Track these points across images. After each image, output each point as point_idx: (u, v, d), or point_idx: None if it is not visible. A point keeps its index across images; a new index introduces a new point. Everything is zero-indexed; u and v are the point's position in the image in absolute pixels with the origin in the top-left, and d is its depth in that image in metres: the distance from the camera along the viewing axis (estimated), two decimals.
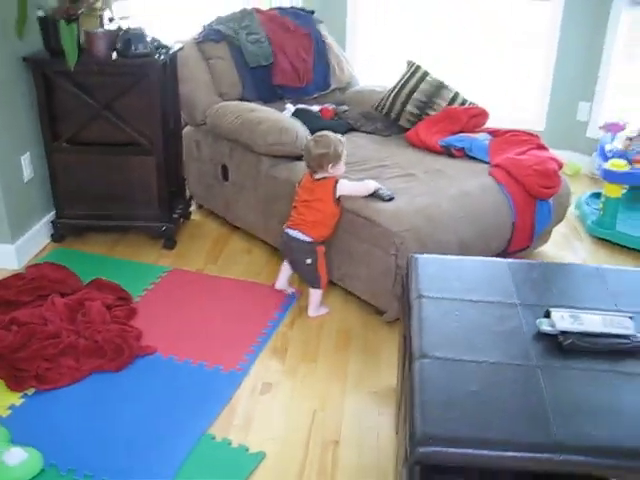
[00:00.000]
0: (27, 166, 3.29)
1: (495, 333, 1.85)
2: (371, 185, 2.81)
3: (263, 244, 3.44)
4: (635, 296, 2.04)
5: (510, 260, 2.28)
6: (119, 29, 3.17)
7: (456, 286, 2.08)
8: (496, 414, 1.55)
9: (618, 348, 1.78)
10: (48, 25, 3.09)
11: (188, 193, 3.82)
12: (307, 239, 2.80)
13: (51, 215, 3.51)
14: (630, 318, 1.86)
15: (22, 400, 2.40)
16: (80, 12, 3.11)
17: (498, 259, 2.31)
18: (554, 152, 3.34)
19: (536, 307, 1.95)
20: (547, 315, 1.87)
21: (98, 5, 3.19)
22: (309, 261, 2.83)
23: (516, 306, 1.98)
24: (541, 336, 1.84)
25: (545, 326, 1.84)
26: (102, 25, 3.24)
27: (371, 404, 2.44)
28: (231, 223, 3.65)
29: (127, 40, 3.12)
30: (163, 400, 2.41)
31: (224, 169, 3.53)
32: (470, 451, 1.47)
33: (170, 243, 3.46)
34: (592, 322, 1.83)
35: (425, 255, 2.29)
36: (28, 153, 3.30)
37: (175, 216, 3.53)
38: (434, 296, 2.02)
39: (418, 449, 1.48)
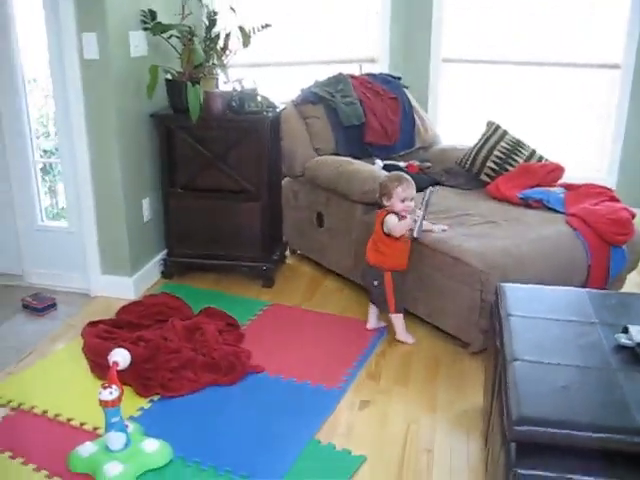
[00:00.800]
0: (147, 208, 3.73)
1: (577, 345, 2.10)
2: (407, 223, 3.08)
3: (354, 285, 3.74)
4: None
5: (588, 289, 2.53)
6: (234, 90, 3.62)
7: (540, 308, 2.35)
8: (582, 403, 1.80)
9: None
10: (174, 86, 3.56)
11: (284, 238, 4.17)
12: (371, 264, 3.15)
13: (163, 254, 3.91)
14: None
15: (150, 404, 2.73)
16: (201, 76, 3.57)
17: (577, 288, 2.55)
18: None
19: (614, 326, 2.19)
20: (625, 331, 2.11)
21: (216, 70, 3.65)
22: (376, 283, 3.17)
23: (595, 324, 2.22)
24: (619, 349, 2.07)
25: (623, 339, 2.08)
26: (218, 86, 3.70)
27: (460, 421, 2.67)
28: (324, 266, 3.98)
29: (241, 99, 3.57)
30: (273, 410, 2.71)
31: (319, 216, 3.89)
32: (559, 431, 1.72)
33: (269, 282, 3.80)
34: None
35: (511, 284, 2.56)
36: (148, 197, 3.73)
37: (274, 258, 3.89)
38: (521, 315, 2.29)
39: (514, 428, 1.73)
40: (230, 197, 3.72)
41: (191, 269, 3.92)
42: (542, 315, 2.29)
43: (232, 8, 3.55)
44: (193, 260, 3.87)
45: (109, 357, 2.44)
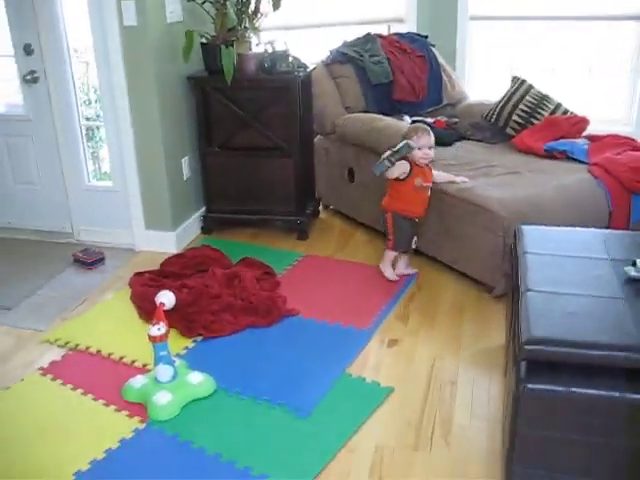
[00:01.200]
0: (186, 167, 3.94)
1: (588, 277, 2.25)
2: (399, 167, 3.21)
3: (384, 236, 3.90)
4: None
5: (603, 230, 2.67)
6: (266, 51, 3.78)
7: (555, 246, 2.50)
8: (589, 326, 1.96)
9: None
10: (209, 50, 3.74)
11: (317, 194, 4.35)
12: (382, 206, 3.40)
13: (202, 211, 4.13)
14: None
15: (194, 344, 2.96)
16: (234, 39, 3.73)
17: (592, 229, 2.69)
18: None
19: (625, 261, 2.33)
20: (634, 264, 2.25)
21: (248, 32, 3.81)
22: (381, 221, 3.46)
23: (607, 260, 2.37)
24: (628, 280, 2.21)
25: (632, 272, 2.23)
26: (251, 48, 3.86)
27: (483, 356, 2.85)
28: (355, 219, 4.16)
29: (272, 60, 3.73)
30: (308, 348, 2.91)
31: (350, 172, 4.06)
32: (564, 349, 1.88)
33: (303, 235, 4.00)
34: None
35: (529, 226, 2.71)
36: (187, 156, 3.94)
37: (308, 212, 4.07)
38: (537, 252, 2.45)
39: (524, 347, 1.90)
40: (264, 155, 3.91)
41: (229, 224, 4.13)
42: (557, 252, 2.44)
43: None
44: (230, 215, 4.08)
45: (156, 298, 2.68)
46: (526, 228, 2.67)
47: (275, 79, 3.76)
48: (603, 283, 2.21)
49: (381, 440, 2.38)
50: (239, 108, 3.83)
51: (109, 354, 2.91)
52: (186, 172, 3.95)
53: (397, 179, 3.26)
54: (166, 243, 3.85)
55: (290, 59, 3.78)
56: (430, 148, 3.27)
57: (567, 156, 3.74)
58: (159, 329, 2.52)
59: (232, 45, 3.65)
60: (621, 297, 2.12)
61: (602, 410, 1.85)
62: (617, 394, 1.83)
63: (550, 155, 3.77)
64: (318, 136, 4.28)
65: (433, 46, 4.55)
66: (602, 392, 1.85)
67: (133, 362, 2.84)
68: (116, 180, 3.87)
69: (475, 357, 2.86)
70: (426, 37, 4.58)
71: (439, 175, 3.40)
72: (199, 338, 3.00)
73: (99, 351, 2.93)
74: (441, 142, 3.97)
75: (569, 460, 1.93)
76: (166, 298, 2.67)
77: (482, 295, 3.32)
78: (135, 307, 3.25)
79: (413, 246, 3.47)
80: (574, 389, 1.86)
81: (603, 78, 4.96)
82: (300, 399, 2.57)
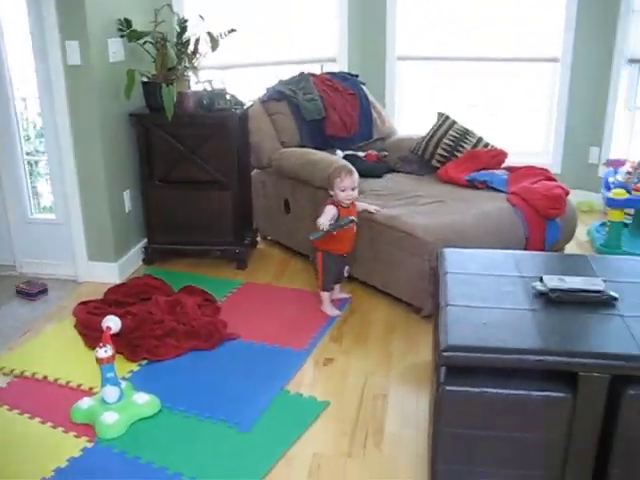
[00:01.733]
0: (128, 200, 4.08)
1: (501, 292, 2.50)
2: (325, 216, 3.34)
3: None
4: (611, 271, 2.67)
5: (515, 251, 2.94)
6: (204, 89, 3.99)
7: (472, 266, 2.74)
8: (500, 334, 2.19)
9: (593, 300, 2.40)
10: (150, 88, 3.92)
11: (255, 225, 4.54)
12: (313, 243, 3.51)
13: (144, 242, 4.26)
14: (603, 281, 2.49)
15: (139, 368, 3.09)
16: (174, 77, 3.93)
17: (506, 250, 2.96)
18: (572, 191, 3.96)
19: (533, 278, 2.58)
20: (541, 280, 2.51)
21: (187, 72, 4.01)
22: (310, 258, 3.64)
23: (518, 277, 2.62)
24: (536, 295, 2.46)
25: (539, 286, 2.48)
26: (190, 87, 4.06)
27: (412, 371, 3.07)
28: (292, 249, 4.36)
29: (211, 98, 3.94)
30: (247, 369, 3.08)
31: (286, 203, 4.27)
32: (480, 355, 2.11)
33: (242, 264, 4.18)
34: (574, 282, 2.46)
35: (450, 249, 2.96)
36: (129, 190, 4.09)
37: (246, 242, 4.26)
38: (456, 272, 2.68)
39: (443, 354, 2.12)
40: (203, 188, 4.08)
41: (170, 255, 4.27)
42: (474, 272, 2.69)
43: (201, 16, 3.91)
44: (171, 246, 4.22)
45: (102, 323, 2.80)
46: (447, 251, 2.91)
47: (213, 116, 3.95)
48: (514, 297, 2.46)
49: (318, 449, 2.56)
50: (179, 143, 4.00)
51: (55, 379, 3.01)
52: (128, 205, 4.09)
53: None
54: (109, 274, 3.96)
55: (227, 97, 3.99)
56: (353, 189, 3.41)
57: (487, 186, 4.04)
58: (106, 351, 2.65)
59: (172, 84, 3.84)
60: (529, 309, 2.36)
61: (513, 407, 2.08)
62: (526, 392, 2.06)
63: (472, 185, 4.06)
64: (255, 170, 4.49)
65: (363, 84, 4.84)
66: (513, 391, 2.07)
67: (79, 386, 2.94)
68: (59, 213, 3.97)
69: (405, 372, 3.07)
70: (357, 76, 4.87)
71: (359, 205, 3.57)
72: (144, 362, 3.12)
73: (45, 377, 3.03)
74: (372, 174, 4.26)
75: (487, 455, 2.14)
76: (112, 322, 2.79)
77: (411, 316, 3.55)
78: (80, 335, 3.35)
79: (346, 275, 3.67)
80: (488, 389, 2.08)
81: (522, 114, 5.36)
82: (241, 415, 2.73)
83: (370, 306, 3.67)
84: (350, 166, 3.55)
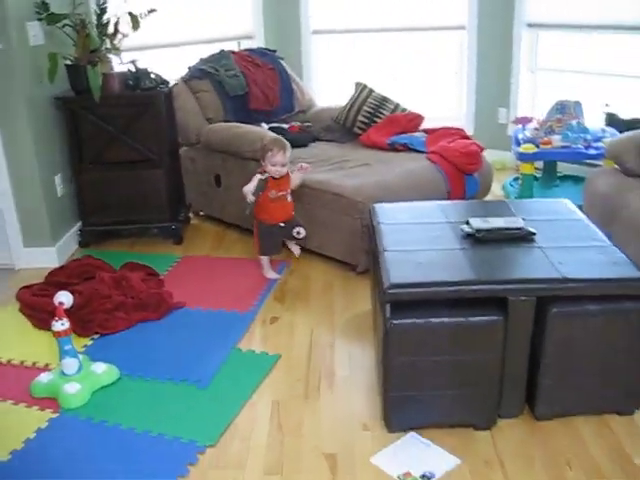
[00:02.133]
0: (59, 184, 4.10)
1: (432, 237, 2.73)
2: (248, 188, 3.50)
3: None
4: (527, 212, 2.94)
5: (440, 201, 3.19)
6: (129, 70, 4.05)
7: (403, 217, 2.97)
8: (435, 271, 2.42)
9: (514, 236, 2.66)
10: (74, 71, 3.94)
11: (187, 202, 4.64)
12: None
13: (79, 225, 4.29)
14: (522, 219, 2.75)
15: (91, 342, 3.17)
16: (97, 59, 3.97)
17: (432, 201, 3.20)
18: (485, 151, 4.24)
19: (460, 222, 2.82)
20: (467, 223, 2.76)
21: (110, 53, 4.06)
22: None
23: (446, 223, 2.86)
24: (464, 236, 2.71)
25: (466, 228, 2.73)
26: (113, 68, 4.10)
27: (354, 321, 3.28)
28: (226, 221, 4.49)
29: (136, 78, 4.00)
30: (198, 333, 3.21)
31: (217, 177, 4.39)
32: (419, 290, 2.33)
33: (179, 239, 4.28)
34: (497, 222, 2.72)
35: (381, 204, 3.17)
36: (60, 174, 4.11)
37: (180, 218, 4.36)
38: (389, 222, 2.90)
39: (388, 292, 2.33)
40: (135, 167, 4.14)
41: (106, 237, 4.32)
42: (405, 222, 2.91)
43: None
44: (107, 227, 4.27)
45: (55, 298, 2.86)
46: (378, 206, 3.13)
47: (140, 95, 4.02)
48: (444, 240, 2.70)
49: (276, 395, 2.73)
50: (108, 124, 4.05)
51: (8, 360, 3.06)
52: (60, 189, 4.11)
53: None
54: (47, 259, 3.98)
55: (152, 76, 4.06)
56: (283, 165, 3.51)
57: (408, 147, 4.28)
58: (62, 324, 2.73)
59: (97, 65, 3.88)
60: (459, 248, 2.60)
61: (454, 333, 2.31)
62: (464, 319, 2.30)
63: (393, 148, 4.30)
64: (183, 147, 4.57)
65: (282, 59, 4.98)
66: (452, 319, 2.30)
67: (34, 364, 3.00)
68: None
69: (347, 323, 3.28)
70: (274, 51, 5.01)
71: (295, 178, 3.65)
72: (96, 336, 3.21)
73: None
74: (297, 144, 4.41)
75: (433, 379, 2.37)
76: (65, 297, 2.85)
77: (347, 274, 3.76)
78: (27, 317, 3.39)
79: (298, 235, 3.65)
80: (430, 319, 2.30)
81: (435, 81, 5.63)
82: (198, 374, 2.87)
83: (308, 268, 3.85)
84: (284, 142, 3.61)
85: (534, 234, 2.67)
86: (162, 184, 4.18)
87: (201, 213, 4.73)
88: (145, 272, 3.72)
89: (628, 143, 3.61)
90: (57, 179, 4.09)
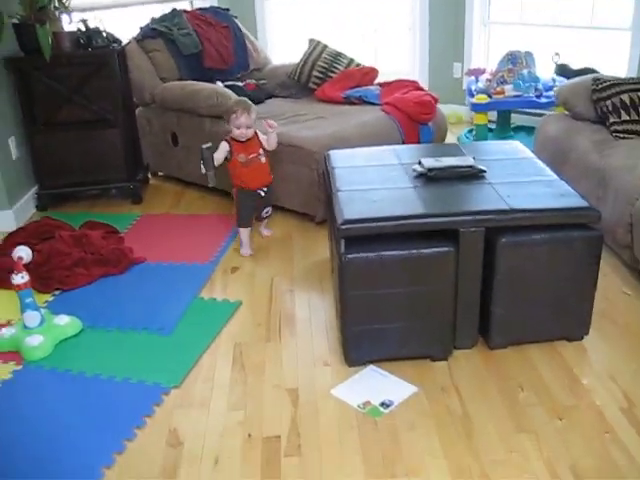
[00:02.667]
0: (14, 147, 4.06)
1: (386, 177, 2.79)
2: (217, 154, 3.34)
3: (212, 191, 4.24)
4: (478, 152, 3.01)
5: (394, 146, 3.24)
6: (79, 29, 4.00)
7: (357, 161, 3.02)
8: (388, 207, 2.48)
9: (465, 173, 2.73)
10: (22, 29, 3.89)
11: (144, 162, 4.63)
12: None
13: (35, 189, 4.26)
14: (473, 158, 2.82)
15: (52, 298, 3.18)
16: (46, 18, 3.91)
17: (385, 146, 3.25)
18: (440, 106, 4.30)
19: (412, 164, 2.89)
20: (419, 163, 2.82)
21: (59, 12, 4.01)
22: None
23: (399, 165, 2.92)
24: (416, 176, 2.77)
25: (418, 168, 2.79)
26: (62, 28, 4.05)
27: (313, 268, 3.34)
28: (184, 180, 4.49)
29: (88, 36, 3.97)
30: (159, 284, 3.24)
31: (174, 136, 4.38)
32: (371, 224, 2.39)
33: (137, 199, 4.28)
34: (449, 161, 2.79)
35: (335, 150, 3.21)
36: (13, 136, 4.07)
37: (138, 178, 4.35)
38: (343, 166, 2.95)
39: (341, 227, 2.39)
40: (90, 127, 4.12)
41: (64, 199, 4.30)
42: (359, 165, 2.97)
43: None
44: (64, 190, 4.25)
45: (13, 254, 2.87)
46: (333, 152, 3.17)
47: (93, 54, 3.99)
48: (397, 180, 2.76)
49: (238, 339, 2.79)
50: (60, 84, 4.01)
51: None
52: (14, 152, 4.07)
53: (226, 159, 3.39)
54: (4, 222, 3.95)
55: (104, 34, 4.02)
56: (249, 127, 3.35)
57: (363, 101, 4.32)
58: (22, 277, 2.74)
59: (45, 24, 3.83)
60: (411, 187, 2.67)
61: (407, 265, 2.38)
62: (416, 251, 2.37)
63: (348, 101, 4.34)
64: (139, 108, 4.55)
65: (235, 17, 4.96)
66: (405, 252, 2.37)
67: None
68: None
69: (306, 270, 3.34)
70: (227, 10, 4.99)
71: (270, 139, 3.47)
72: (57, 293, 3.22)
73: None
74: (254, 101, 4.38)
75: (389, 311, 2.44)
76: (24, 252, 2.85)
77: (306, 224, 3.81)
78: None
79: (264, 214, 3.61)
80: (383, 252, 2.36)
81: (388, 36, 5.66)
82: (161, 322, 2.91)
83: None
84: (248, 102, 3.45)
85: (484, 171, 2.74)
86: (118, 143, 4.17)
87: (159, 174, 4.73)
88: (105, 230, 3.72)
89: (577, 88, 3.71)
90: (11, 142, 4.05)
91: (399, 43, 5.65)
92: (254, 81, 4.73)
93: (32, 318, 2.79)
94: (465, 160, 2.81)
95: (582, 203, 2.47)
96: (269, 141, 3.48)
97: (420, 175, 2.77)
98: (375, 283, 2.40)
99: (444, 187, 2.66)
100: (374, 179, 2.78)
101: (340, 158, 3.08)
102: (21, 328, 2.81)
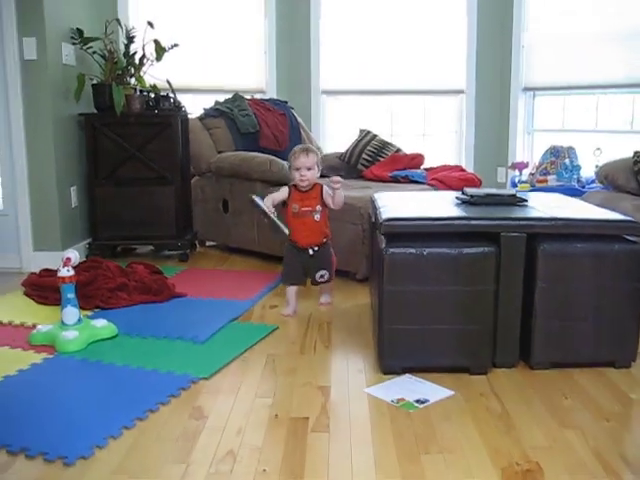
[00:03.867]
0: (74, 196, 4.28)
1: (427, 204, 2.86)
2: (267, 201, 3.17)
3: (258, 255, 4.36)
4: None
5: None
6: (149, 93, 4.33)
7: (402, 196, 3.11)
8: (430, 210, 2.53)
9: (507, 201, 2.78)
10: (99, 89, 4.23)
11: (194, 229, 4.78)
12: None
13: (88, 240, 4.42)
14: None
15: (92, 313, 3.22)
16: (124, 80, 4.27)
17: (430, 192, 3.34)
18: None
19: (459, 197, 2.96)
20: (462, 192, 2.89)
21: (134, 80, 4.37)
22: None
23: (442, 199, 2.99)
24: (459, 203, 2.82)
25: (461, 196, 2.86)
26: (135, 90, 4.40)
27: (353, 308, 3.35)
28: (231, 247, 4.61)
29: (156, 99, 4.28)
30: (199, 312, 3.25)
31: (225, 203, 4.56)
32: (411, 223, 2.44)
33: (185, 257, 4.39)
34: (491, 190, 2.86)
35: (382, 192, 3.32)
36: (75, 186, 4.30)
37: (187, 238, 4.49)
38: (387, 199, 3.04)
39: (384, 224, 2.44)
40: (148, 184, 4.33)
41: (114, 253, 4.44)
42: (403, 198, 3.06)
43: (150, 23, 4.28)
44: (116, 242, 4.40)
45: (62, 256, 2.95)
46: (377, 195, 3.26)
47: (159, 115, 4.28)
48: (439, 205, 2.82)
49: (271, 351, 2.76)
50: (125, 142, 4.28)
51: (9, 321, 3.11)
52: (74, 200, 4.28)
53: (284, 204, 3.26)
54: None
55: (171, 100, 4.34)
56: (309, 169, 3.16)
57: (410, 180, 4.47)
58: (68, 270, 2.82)
59: (121, 83, 4.17)
60: (454, 207, 2.72)
61: (446, 263, 2.39)
62: (458, 250, 2.38)
63: (395, 180, 4.49)
64: (195, 177, 4.78)
65: (292, 109, 5.30)
66: (444, 249, 2.39)
67: (34, 325, 3.03)
68: (7, 204, 4.12)
69: (345, 308, 3.36)
70: (286, 102, 5.33)
71: (336, 195, 3.21)
72: (97, 310, 3.26)
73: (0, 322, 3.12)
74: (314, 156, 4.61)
75: (427, 310, 2.41)
76: (72, 254, 2.94)
77: (348, 281, 3.83)
78: (31, 296, 3.46)
79: (320, 279, 3.32)
80: (424, 249, 2.38)
81: (434, 142, 5.91)
82: (196, 333, 2.90)
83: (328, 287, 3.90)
84: (309, 145, 3.47)
85: (526, 200, 2.79)
86: (172, 201, 4.36)
87: (207, 244, 4.86)
88: (151, 270, 3.80)
89: (618, 163, 3.83)
90: (72, 190, 4.27)
91: (445, 147, 5.89)
92: None
93: (71, 314, 2.83)
94: (508, 191, 2.88)
95: (625, 217, 2.48)
96: (335, 199, 3.21)
97: (462, 202, 2.83)
98: (415, 280, 2.40)
99: (487, 207, 2.70)
100: (416, 205, 2.85)
101: (385, 197, 3.17)
102: (59, 325, 2.84)
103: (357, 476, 1.84)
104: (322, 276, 3.31)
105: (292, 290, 3.29)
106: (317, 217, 3.23)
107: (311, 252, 3.25)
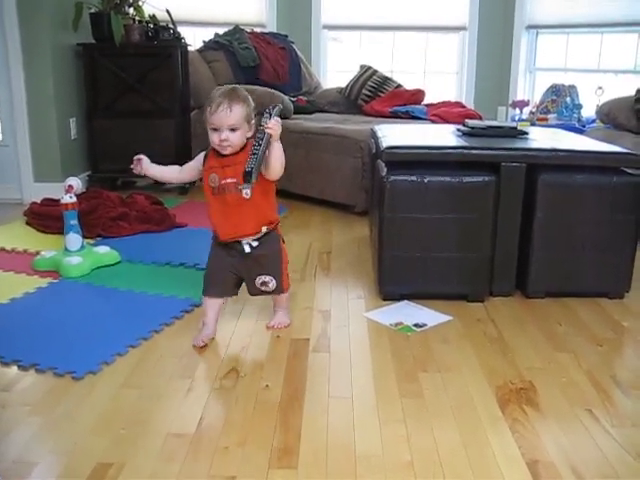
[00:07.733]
0: (74, 127, 4.26)
1: (429, 135, 2.87)
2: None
3: None
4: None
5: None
6: (148, 23, 4.27)
7: (402, 128, 3.11)
8: (431, 140, 2.54)
9: (508, 133, 2.79)
10: (98, 18, 4.16)
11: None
12: None
13: (88, 173, 4.42)
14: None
15: (94, 241, 3.25)
16: (122, 9, 4.20)
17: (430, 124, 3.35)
18: None
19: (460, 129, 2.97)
20: (464, 124, 2.90)
21: (133, 9, 4.30)
22: None
23: (444, 129, 3.00)
24: (460, 134, 2.84)
25: (461, 127, 2.86)
26: (135, 21, 4.33)
27: (350, 239, 3.39)
28: None
29: (156, 30, 4.23)
30: (200, 242, 3.26)
31: None
32: (414, 151, 2.45)
33: (184, 190, 4.40)
34: (493, 122, 2.87)
35: (382, 125, 3.32)
36: (75, 117, 4.28)
37: None
38: (387, 131, 3.04)
39: (385, 151, 2.45)
40: (147, 116, 4.31)
41: (114, 185, 4.44)
42: (403, 129, 3.06)
43: None
44: (114, 175, 4.40)
45: (64, 183, 2.97)
46: (378, 127, 3.26)
47: (158, 46, 4.23)
48: (441, 136, 2.83)
49: None
50: (124, 73, 4.24)
51: (12, 249, 3.14)
52: (73, 132, 4.26)
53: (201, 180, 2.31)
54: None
55: (171, 31, 4.28)
56: (234, 130, 2.06)
57: (410, 115, 4.46)
58: (71, 197, 2.84)
59: (120, 12, 4.11)
60: (455, 137, 2.73)
61: (446, 191, 2.41)
62: (458, 178, 2.40)
63: (395, 115, 4.48)
64: (194, 111, 4.75)
65: (292, 43, 5.24)
66: (445, 177, 2.41)
67: (37, 252, 3.06)
68: (6, 134, 4.11)
69: (343, 240, 3.39)
70: (286, 36, 5.27)
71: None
72: (98, 239, 3.29)
73: (3, 248, 3.15)
74: (303, 112, 4.60)
75: (426, 237, 2.45)
76: (74, 181, 2.95)
77: (346, 214, 3.85)
78: (32, 225, 3.48)
79: (260, 286, 2.24)
80: (425, 177, 2.41)
81: (436, 78, 5.87)
82: (199, 259, 2.92)
83: (308, 211, 3.93)
84: (236, 91, 2.09)
85: (527, 133, 2.80)
86: (172, 134, 4.34)
87: None
88: (151, 201, 3.81)
89: (619, 101, 3.81)
90: (72, 122, 4.25)
91: (445, 85, 5.85)
92: (305, 97, 4.92)
93: (74, 241, 2.86)
94: (509, 123, 2.88)
95: (624, 150, 2.50)
96: (269, 159, 2.04)
97: (464, 134, 2.84)
98: (415, 208, 2.43)
99: (487, 139, 2.71)
100: (417, 134, 2.87)
101: (386, 128, 3.17)
102: (62, 250, 2.87)
103: (357, 392, 1.90)
104: (264, 283, 2.23)
105: (212, 304, 2.24)
106: (248, 192, 2.03)
107: (247, 248, 2.18)
